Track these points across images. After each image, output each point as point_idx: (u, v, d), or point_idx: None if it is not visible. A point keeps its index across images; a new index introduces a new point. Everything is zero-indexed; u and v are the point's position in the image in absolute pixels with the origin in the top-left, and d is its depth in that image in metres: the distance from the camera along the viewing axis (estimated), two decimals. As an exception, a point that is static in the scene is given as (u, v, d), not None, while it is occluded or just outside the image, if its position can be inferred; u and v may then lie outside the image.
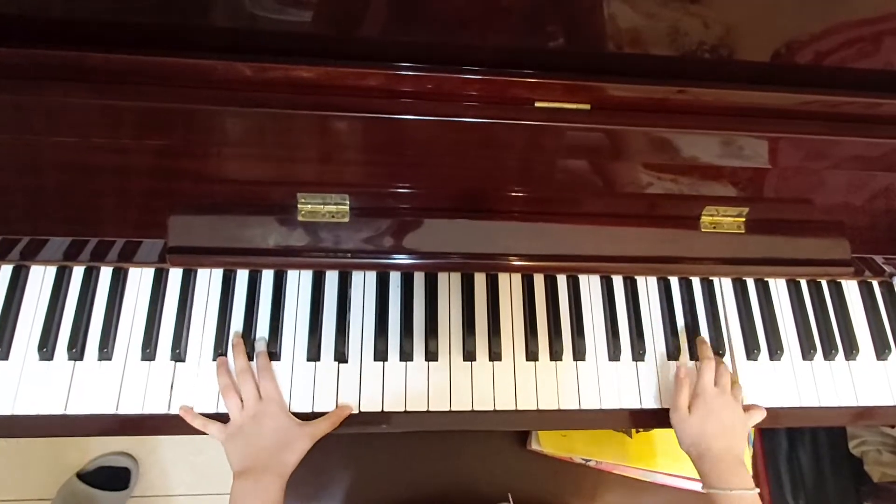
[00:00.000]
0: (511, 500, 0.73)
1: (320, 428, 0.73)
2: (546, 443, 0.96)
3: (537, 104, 0.63)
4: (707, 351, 0.80)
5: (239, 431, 0.72)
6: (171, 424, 0.74)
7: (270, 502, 0.67)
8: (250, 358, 0.76)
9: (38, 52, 0.61)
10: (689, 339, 0.83)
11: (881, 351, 0.86)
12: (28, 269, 0.77)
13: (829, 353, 0.85)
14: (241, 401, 0.73)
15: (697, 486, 0.97)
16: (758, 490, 0.69)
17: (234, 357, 0.76)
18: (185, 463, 1.40)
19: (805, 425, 0.85)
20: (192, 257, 0.70)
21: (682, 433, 0.75)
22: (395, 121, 0.63)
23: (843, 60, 0.67)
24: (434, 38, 0.62)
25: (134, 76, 0.63)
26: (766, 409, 0.81)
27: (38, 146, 0.68)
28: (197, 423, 0.73)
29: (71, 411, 0.72)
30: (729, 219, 0.77)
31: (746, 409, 0.78)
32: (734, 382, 0.79)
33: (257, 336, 0.77)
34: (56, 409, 0.72)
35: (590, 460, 0.96)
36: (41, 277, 0.77)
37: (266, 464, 0.69)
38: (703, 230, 0.76)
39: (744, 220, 0.77)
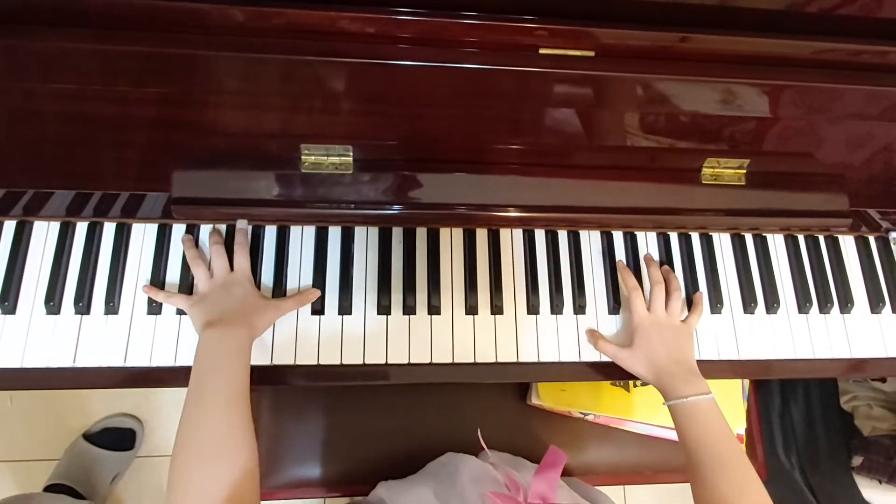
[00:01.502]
0: (480, 434, 0.75)
1: (287, 304, 0.75)
2: (545, 397, 0.97)
3: (542, 51, 0.63)
4: (630, 280, 0.80)
5: (205, 297, 0.73)
6: (175, 376, 0.75)
7: (240, 353, 0.66)
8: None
9: None
10: (688, 292, 0.84)
11: (875, 304, 0.87)
12: (32, 224, 0.77)
13: (824, 307, 0.86)
14: (210, 273, 0.75)
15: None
16: (712, 395, 0.70)
17: (209, 235, 0.78)
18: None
19: (799, 377, 0.86)
20: (196, 208, 0.70)
21: (634, 367, 0.76)
22: (395, 67, 0.63)
23: (849, 8, 0.66)
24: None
25: (128, 21, 0.62)
26: (761, 361, 0.83)
27: (36, 94, 0.67)
28: (160, 297, 0.74)
29: (80, 364, 0.73)
30: (730, 171, 0.77)
31: (687, 319, 0.80)
32: (668, 305, 0.80)
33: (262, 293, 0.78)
34: (65, 362, 0.73)
35: (588, 414, 0.98)
36: (45, 233, 0.77)
37: (234, 319, 0.69)
38: (703, 182, 0.77)
39: (744, 172, 0.77)
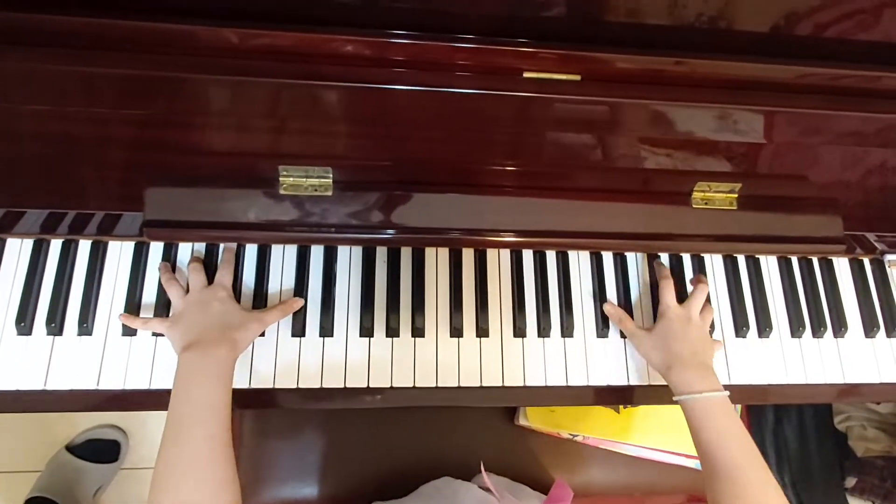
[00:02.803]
0: (483, 468, 0.73)
1: (272, 315, 0.72)
2: (533, 418, 0.96)
3: (526, 74, 0.61)
4: (665, 272, 0.80)
5: (180, 316, 0.70)
6: (154, 400, 0.73)
7: (221, 374, 0.63)
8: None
9: (10, 14, 0.58)
10: (679, 316, 0.83)
11: (870, 329, 0.86)
12: (4, 241, 0.75)
13: (818, 331, 0.84)
14: (185, 292, 0.73)
15: (685, 462, 0.98)
16: (727, 393, 0.68)
17: (190, 260, 0.76)
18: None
19: (792, 402, 0.85)
20: (170, 231, 0.68)
21: (647, 349, 0.75)
22: (379, 90, 0.61)
23: (841, 32, 0.65)
24: (420, 5, 0.59)
25: (110, 42, 0.60)
26: (754, 385, 0.82)
27: (13, 114, 0.65)
28: (137, 325, 0.72)
29: (51, 387, 0.71)
30: (721, 195, 0.75)
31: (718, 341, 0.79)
32: (706, 311, 0.79)
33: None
34: (36, 384, 0.71)
35: (577, 435, 0.97)
36: (18, 250, 0.75)
37: (215, 338, 0.65)
38: (694, 206, 0.75)
39: (736, 196, 0.76)
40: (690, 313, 0.76)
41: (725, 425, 0.66)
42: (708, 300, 0.81)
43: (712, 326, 0.81)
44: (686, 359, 0.71)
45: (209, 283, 0.74)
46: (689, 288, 0.84)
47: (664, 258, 0.84)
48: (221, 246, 0.76)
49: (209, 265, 0.76)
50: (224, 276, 0.74)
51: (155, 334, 0.74)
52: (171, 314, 0.73)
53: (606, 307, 0.80)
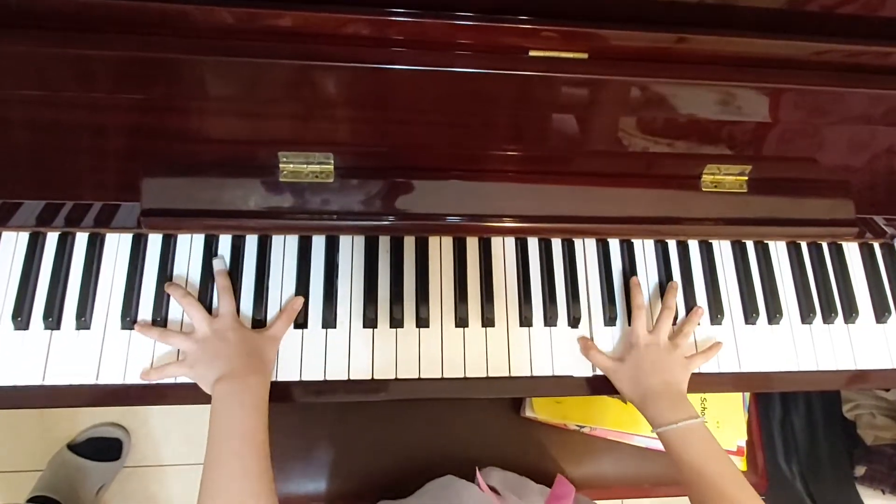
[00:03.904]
0: (479, 471, 0.72)
1: (279, 328, 0.72)
2: (540, 410, 0.95)
3: (531, 53, 0.59)
4: (638, 298, 0.79)
5: (199, 355, 0.69)
6: (155, 395, 0.72)
7: (259, 400, 0.64)
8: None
9: None
10: (687, 302, 0.81)
11: (881, 314, 0.84)
12: (-1, 235, 0.74)
13: (828, 317, 0.83)
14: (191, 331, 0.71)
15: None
16: (703, 419, 0.69)
17: (216, 276, 0.74)
18: (177, 433, 1.39)
19: (801, 389, 0.83)
20: (169, 220, 0.67)
21: (621, 382, 0.75)
22: (380, 71, 0.59)
23: (851, 8, 0.63)
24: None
25: (100, 22, 0.58)
26: (763, 373, 0.80)
27: (4, 101, 0.63)
28: (153, 335, 0.71)
29: (49, 382, 0.69)
30: (731, 178, 0.74)
31: (692, 357, 0.77)
32: (679, 332, 0.78)
33: (241, 306, 0.75)
34: (34, 379, 0.69)
35: (583, 426, 0.96)
36: (13, 244, 0.74)
37: (246, 365, 0.66)
38: (703, 189, 0.73)
39: (746, 178, 0.74)
40: (659, 339, 0.76)
41: (704, 450, 0.67)
42: (683, 320, 0.80)
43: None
44: (658, 391, 0.72)
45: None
46: (699, 280, 0.82)
47: (671, 246, 0.83)
48: (217, 260, 0.75)
49: (209, 258, 0.75)
50: (226, 304, 0.72)
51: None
52: (181, 357, 0.71)
53: (579, 339, 0.78)
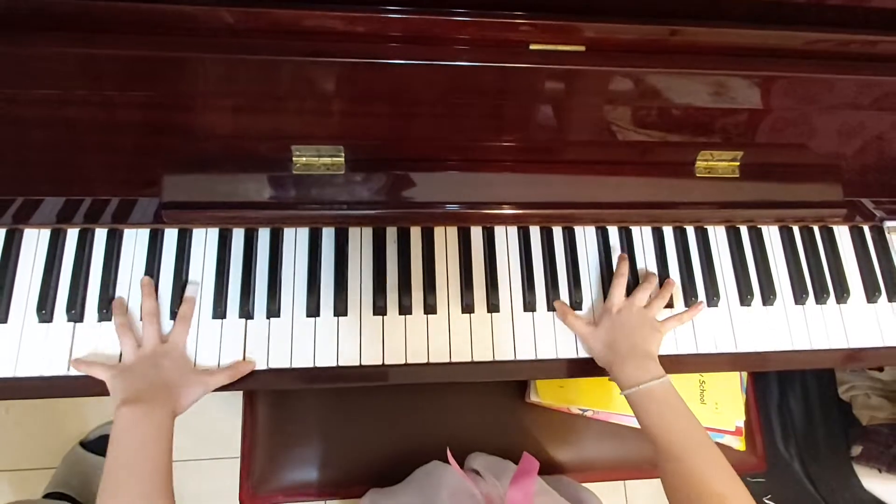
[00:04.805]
0: (450, 451, 0.74)
1: (217, 378, 0.71)
2: (544, 394, 0.97)
3: (532, 46, 0.62)
4: (622, 266, 0.81)
5: (129, 369, 0.69)
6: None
7: (161, 436, 0.62)
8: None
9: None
10: (684, 287, 0.84)
11: (871, 294, 0.87)
12: (22, 232, 0.76)
13: (820, 298, 0.86)
14: (138, 342, 0.72)
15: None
16: (667, 378, 0.70)
17: (143, 298, 0.74)
18: (184, 428, 1.40)
19: (797, 368, 0.86)
20: (188, 213, 0.70)
21: (594, 346, 0.77)
22: (385, 66, 0.62)
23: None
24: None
25: (112, 24, 0.61)
26: (759, 353, 0.83)
27: (20, 101, 0.66)
28: (81, 369, 0.70)
29: (74, 372, 0.72)
30: (723, 163, 0.77)
31: (666, 320, 0.79)
32: (654, 300, 0.80)
33: (256, 297, 0.77)
34: (59, 370, 0.72)
35: (587, 410, 0.98)
36: (35, 241, 0.77)
37: (156, 396, 0.65)
38: (697, 175, 0.76)
39: (738, 164, 0.77)
40: (634, 302, 0.78)
41: (666, 409, 0.68)
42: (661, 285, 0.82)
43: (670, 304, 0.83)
44: (624, 353, 0.73)
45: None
46: (696, 263, 0.85)
47: (668, 232, 0.86)
48: (190, 286, 0.77)
49: (224, 250, 0.78)
50: (179, 332, 0.73)
51: (172, 318, 0.75)
52: (120, 362, 0.72)
53: (556, 303, 0.81)
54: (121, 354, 0.73)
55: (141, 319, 0.74)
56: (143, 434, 0.62)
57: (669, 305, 0.83)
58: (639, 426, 0.96)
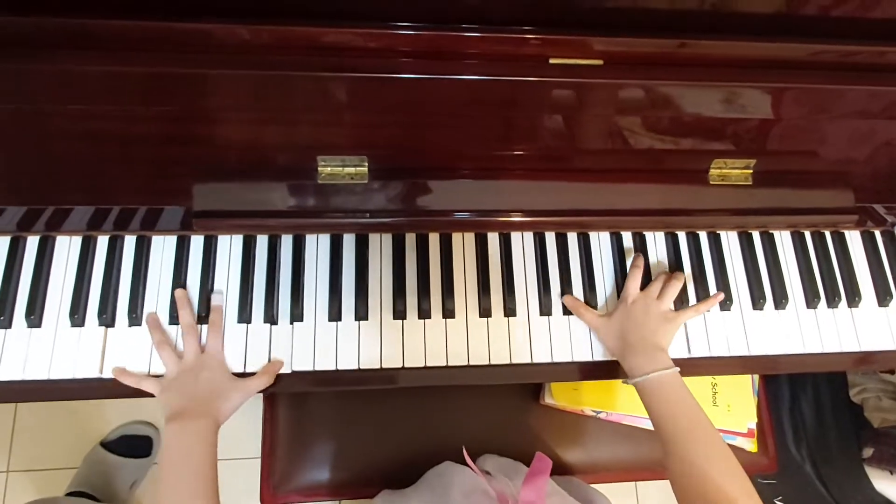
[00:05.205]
0: (466, 452, 0.76)
1: (255, 384, 0.75)
2: (558, 396, 0.98)
3: (552, 61, 0.64)
4: (638, 260, 0.83)
5: (173, 382, 0.73)
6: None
7: (204, 445, 0.68)
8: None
9: (40, 20, 0.61)
10: (697, 291, 0.86)
11: (883, 297, 0.88)
12: (54, 239, 0.79)
13: (832, 301, 0.87)
14: (178, 356, 0.75)
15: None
16: (676, 369, 0.71)
17: (179, 311, 0.77)
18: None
19: (808, 371, 0.88)
20: (217, 221, 0.72)
21: (607, 337, 0.79)
22: (410, 81, 0.64)
23: (845, 9, 0.68)
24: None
25: (136, 43, 0.63)
26: (771, 356, 0.85)
27: (52, 115, 0.68)
28: (130, 382, 0.74)
29: (107, 374, 0.75)
30: (737, 171, 0.78)
31: (680, 311, 0.80)
32: (665, 292, 0.81)
33: (280, 302, 0.79)
34: (91, 372, 0.75)
35: (600, 412, 0.99)
36: (67, 247, 0.79)
37: (199, 409, 0.70)
38: (711, 183, 0.78)
39: (751, 171, 0.79)
40: (648, 294, 0.80)
41: (672, 400, 0.69)
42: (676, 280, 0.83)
43: (684, 301, 0.84)
44: (635, 345, 0.75)
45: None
46: (709, 268, 0.87)
47: (681, 238, 0.87)
48: (216, 295, 0.79)
49: (248, 257, 0.80)
50: (214, 342, 0.76)
51: (200, 321, 0.77)
52: (164, 377, 0.75)
53: (566, 299, 0.82)
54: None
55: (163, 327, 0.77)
56: (188, 446, 0.67)
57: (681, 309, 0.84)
58: (651, 427, 1.00)
